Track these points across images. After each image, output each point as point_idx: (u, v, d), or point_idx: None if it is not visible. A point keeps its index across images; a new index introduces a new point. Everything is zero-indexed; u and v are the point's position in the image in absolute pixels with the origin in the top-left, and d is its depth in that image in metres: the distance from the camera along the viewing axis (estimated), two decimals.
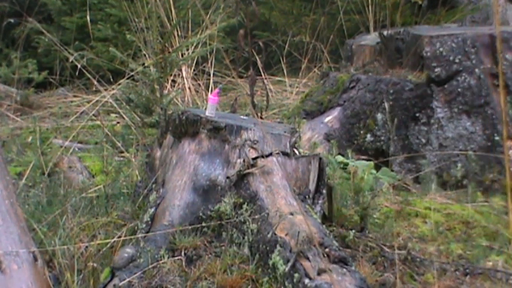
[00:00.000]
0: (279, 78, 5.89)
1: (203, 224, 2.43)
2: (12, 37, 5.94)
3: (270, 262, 2.21)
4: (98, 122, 4.44)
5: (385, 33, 4.25)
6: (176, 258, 2.31)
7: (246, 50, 4.05)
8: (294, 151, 2.66)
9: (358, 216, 2.82)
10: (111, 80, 5.07)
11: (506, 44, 3.68)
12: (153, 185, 2.73)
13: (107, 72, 5.19)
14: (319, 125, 3.99)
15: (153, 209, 2.50)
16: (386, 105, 3.74)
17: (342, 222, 2.81)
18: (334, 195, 2.81)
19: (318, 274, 2.05)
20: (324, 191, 2.71)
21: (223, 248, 2.38)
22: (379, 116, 3.82)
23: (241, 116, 2.95)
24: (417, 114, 3.76)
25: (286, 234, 2.24)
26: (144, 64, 4.12)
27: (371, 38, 4.53)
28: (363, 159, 3.39)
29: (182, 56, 4.85)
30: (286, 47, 6.04)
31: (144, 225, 2.46)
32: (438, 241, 2.84)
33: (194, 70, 5.32)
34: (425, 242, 2.85)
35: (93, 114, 4.56)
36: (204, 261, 2.32)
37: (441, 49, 3.75)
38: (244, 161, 2.49)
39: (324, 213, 2.76)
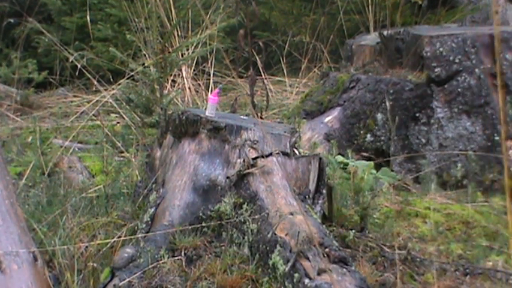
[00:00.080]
0: (279, 78, 5.89)
1: (203, 224, 2.42)
2: (12, 37, 5.94)
3: (270, 262, 2.21)
4: (98, 122, 4.44)
5: (385, 33, 4.25)
6: (176, 258, 2.31)
7: (246, 50, 4.05)
8: (294, 151, 2.66)
9: (358, 216, 2.82)
10: (111, 80, 5.07)
11: (506, 44, 3.68)
12: (153, 185, 2.73)
13: (107, 72, 5.19)
14: (319, 125, 3.99)
15: (153, 209, 2.50)
16: (387, 104, 3.74)
17: (342, 222, 2.81)
18: (334, 195, 2.81)
19: (318, 274, 2.05)
20: (324, 191, 2.71)
21: (223, 248, 2.38)
22: (379, 116, 3.82)
23: (241, 116, 2.95)
24: (417, 114, 3.76)
25: (286, 234, 2.24)
26: (144, 64, 4.12)
27: (371, 38, 4.53)
28: (363, 159, 3.40)
29: (182, 56, 4.85)
30: (286, 47, 6.04)
31: (144, 225, 2.46)
32: (438, 241, 2.84)
33: (194, 70, 5.32)
34: (425, 242, 2.85)
35: (93, 114, 4.56)
36: (204, 261, 2.32)
37: (441, 49, 3.75)
38: (244, 161, 2.49)
39: (324, 213, 2.76)
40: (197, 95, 5.17)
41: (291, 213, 2.33)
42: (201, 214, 2.46)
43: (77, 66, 4.79)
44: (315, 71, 5.86)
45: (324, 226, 2.43)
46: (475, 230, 2.96)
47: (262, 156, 2.53)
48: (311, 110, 4.20)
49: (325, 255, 2.15)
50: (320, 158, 2.70)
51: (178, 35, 5.09)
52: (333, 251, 2.16)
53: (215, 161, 2.54)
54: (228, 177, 2.50)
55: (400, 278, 2.47)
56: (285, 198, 2.42)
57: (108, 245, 2.41)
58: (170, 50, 4.07)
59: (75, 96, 5.42)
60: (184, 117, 2.64)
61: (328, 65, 5.85)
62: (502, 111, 1.20)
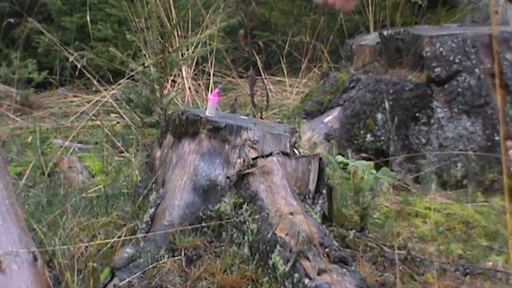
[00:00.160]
0: (279, 78, 5.89)
1: (203, 224, 2.42)
2: (12, 37, 5.94)
3: (270, 262, 2.21)
4: (98, 122, 4.44)
5: (385, 33, 4.25)
6: (176, 258, 2.31)
7: (246, 50, 4.05)
8: (294, 151, 2.65)
9: (358, 216, 2.81)
10: (111, 80, 5.07)
11: (506, 44, 3.68)
12: (153, 185, 2.73)
13: (107, 72, 5.18)
14: (319, 125, 3.99)
15: (153, 209, 2.50)
16: (386, 104, 3.74)
17: (342, 222, 2.81)
18: (334, 195, 2.81)
19: (318, 274, 2.05)
20: (324, 191, 2.71)
21: (223, 248, 2.38)
22: (379, 116, 3.82)
23: (241, 116, 2.95)
24: (417, 114, 3.76)
25: (286, 234, 2.24)
26: (144, 64, 4.12)
27: (371, 38, 4.53)
28: (363, 159, 3.39)
29: (182, 56, 4.85)
30: (286, 47, 6.04)
31: (144, 225, 2.46)
32: (438, 241, 2.84)
33: (194, 70, 5.32)
34: (425, 242, 2.85)
35: (93, 114, 4.56)
36: (204, 261, 2.32)
37: (441, 49, 3.75)
38: (244, 161, 2.49)
39: (324, 213, 2.76)
40: (197, 95, 5.17)
41: (291, 213, 2.33)
42: (201, 214, 2.46)
43: (77, 66, 4.79)
44: (315, 71, 5.86)
45: (324, 226, 2.43)
46: (475, 230, 2.96)
47: (262, 156, 2.53)
48: (311, 110, 4.20)
49: (325, 255, 2.15)
50: (320, 158, 2.70)
51: (178, 35, 5.09)
52: (333, 251, 2.16)
53: (215, 161, 2.54)
54: (228, 177, 2.50)
55: (400, 278, 2.47)
56: (285, 198, 2.42)
57: (108, 245, 2.41)
58: (170, 50, 4.07)
59: (75, 96, 5.42)
60: (184, 117, 2.64)
61: (328, 65, 5.85)
62: (501, 111, 1.20)
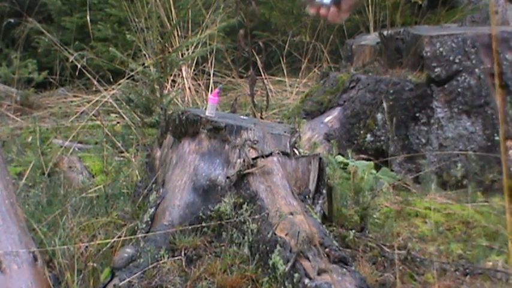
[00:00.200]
0: (279, 78, 5.89)
1: (203, 224, 2.42)
2: (12, 37, 5.94)
3: (270, 262, 2.21)
4: (98, 122, 4.44)
5: (385, 33, 4.25)
6: (176, 258, 2.31)
7: (246, 50, 4.05)
8: (294, 151, 2.65)
9: (358, 216, 2.81)
10: (111, 80, 5.07)
11: (506, 44, 3.68)
12: (153, 185, 2.73)
13: (107, 72, 5.19)
14: (319, 125, 3.99)
15: (153, 209, 2.50)
16: (385, 104, 3.74)
17: (342, 222, 2.81)
18: (334, 195, 2.81)
19: (318, 274, 2.05)
20: (324, 191, 2.71)
21: (223, 248, 2.38)
22: (379, 116, 3.82)
23: (241, 116, 2.95)
24: (417, 114, 3.76)
25: (286, 234, 2.24)
26: (144, 64, 4.12)
27: (371, 38, 4.53)
28: (363, 159, 3.40)
29: (182, 56, 4.85)
30: (286, 47, 6.04)
31: (144, 225, 2.46)
32: (438, 241, 2.84)
33: (194, 70, 5.32)
34: (425, 242, 2.85)
35: (93, 114, 4.56)
36: (204, 261, 2.32)
37: (441, 49, 3.75)
38: (244, 161, 2.49)
39: (324, 213, 2.76)
40: (197, 95, 5.17)
41: (291, 213, 2.33)
42: (201, 214, 2.46)
43: (77, 66, 4.79)
44: (315, 71, 5.86)
45: (324, 226, 2.43)
46: (475, 230, 2.96)
47: (262, 156, 2.53)
48: (311, 110, 4.20)
49: (325, 255, 2.15)
50: (320, 158, 2.70)
51: (178, 35, 5.09)
52: (333, 251, 2.16)
53: (215, 161, 2.54)
54: (228, 177, 2.50)
55: (400, 278, 2.47)
56: (285, 198, 2.42)
57: (108, 245, 2.41)
58: (170, 50, 4.07)
59: (75, 96, 5.42)
60: (184, 117, 2.64)
61: (328, 65, 5.85)
62: (501, 111, 1.20)
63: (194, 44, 4.92)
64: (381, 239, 2.74)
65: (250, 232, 2.37)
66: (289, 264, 2.11)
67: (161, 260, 2.29)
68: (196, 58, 5.17)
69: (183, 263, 2.30)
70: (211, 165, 2.53)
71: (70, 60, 4.83)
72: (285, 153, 2.59)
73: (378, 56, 4.24)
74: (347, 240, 2.63)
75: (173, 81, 5.15)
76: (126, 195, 2.94)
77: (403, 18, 5.07)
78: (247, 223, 2.39)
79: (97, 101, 4.58)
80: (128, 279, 2.18)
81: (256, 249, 2.33)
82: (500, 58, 3.60)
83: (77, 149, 4.01)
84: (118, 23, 5.53)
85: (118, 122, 4.53)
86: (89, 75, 4.76)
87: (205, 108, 2.68)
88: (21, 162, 3.52)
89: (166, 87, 4.83)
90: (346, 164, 3.08)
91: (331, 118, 3.99)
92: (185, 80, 5.15)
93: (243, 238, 2.39)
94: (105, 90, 4.70)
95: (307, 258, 2.12)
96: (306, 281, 2.03)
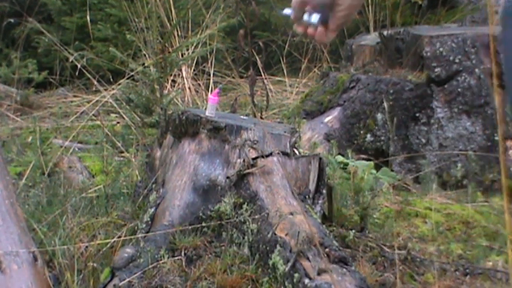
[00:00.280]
0: (279, 78, 5.89)
1: (203, 224, 2.42)
2: (12, 37, 5.94)
3: (270, 262, 2.21)
4: (98, 122, 4.44)
5: (385, 33, 4.25)
6: (176, 258, 2.31)
7: (246, 50, 4.05)
8: (294, 151, 2.65)
9: (358, 216, 2.81)
10: (111, 80, 5.08)
11: None
12: (153, 185, 2.73)
13: (107, 72, 5.19)
14: (319, 125, 3.99)
15: (153, 209, 2.50)
16: (385, 104, 3.74)
17: (342, 222, 2.81)
18: (334, 195, 2.81)
19: (318, 274, 2.05)
20: (324, 191, 2.71)
21: (223, 248, 2.38)
22: (379, 116, 3.82)
23: (241, 116, 2.95)
24: (417, 114, 3.76)
25: (286, 234, 2.24)
26: (144, 64, 4.12)
27: (371, 38, 4.53)
28: (363, 159, 3.40)
29: (182, 56, 4.85)
30: (286, 47, 6.04)
31: (144, 225, 2.46)
32: (438, 241, 2.84)
33: (194, 70, 5.32)
34: (425, 242, 2.85)
35: (93, 114, 4.56)
36: (204, 261, 2.32)
37: (441, 49, 3.75)
38: (244, 161, 2.49)
39: (324, 213, 2.76)
40: (197, 95, 5.17)
41: (291, 213, 2.33)
42: (201, 214, 2.46)
43: (77, 66, 4.80)
44: (315, 71, 5.86)
45: (324, 226, 2.43)
46: (475, 230, 2.96)
47: (262, 156, 2.53)
48: (311, 110, 4.20)
49: (325, 255, 2.15)
50: (320, 158, 2.70)
51: (178, 35, 5.09)
52: (333, 251, 2.16)
53: (215, 161, 2.54)
54: (228, 177, 2.50)
55: (400, 278, 2.47)
56: (285, 198, 2.42)
57: (108, 245, 2.41)
58: (170, 50, 4.07)
59: (75, 96, 5.42)
60: (184, 117, 2.64)
61: (328, 65, 5.85)
62: (499, 111, 1.20)
63: (194, 44, 4.92)
64: (381, 239, 2.74)
65: (250, 232, 2.37)
66: (289, 264, 2.11)
67: (161, 260, 2.28)
68: (196, 58, 5.17)
69: (183, 263, 2.30)
70: (211, 165, 2.53)
71: (70, 60, 4.83)
72: (285, 153, 2.59)
73: (378, 56, 4.24)
74: (347, 240, 2.63)
75: (173, 81, 5.15)
76: (126, 195, 2.94)
77: (403, 18, 5.07)
78: (247, 223, 2.39)
79: (97, 101, 4.58)
80: (128, 279, 2.18)
81: (256, 249, 2.33)
82: (499, 58, 3.60)
83: (77, 149, 4.01)
84: (118, 23, 5.53)
85: (118, 122, 4.53)
86: (89, 75, 4.76)
87: (205, 108, 2.68)
88: (21, 162, 3.52)
89: (166, 87, 4.83)
90: (346, 164, 3.08)
91: (331, 118, 3.99)
92: (185, 80, 5.15)
93: (243, 238, 2.39)
94: (105, 90, 4.70)
95: (307, 258, 2.12)
96: (306, 281, 2.03)
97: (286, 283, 2.10)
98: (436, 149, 3.71)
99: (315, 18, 1.51)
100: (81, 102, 5.11)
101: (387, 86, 3.82)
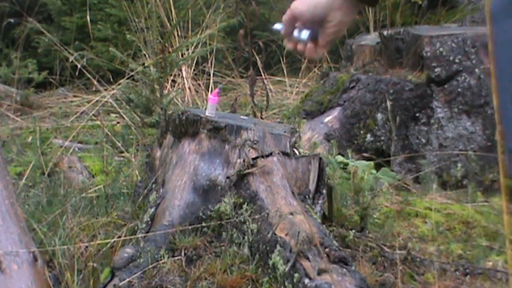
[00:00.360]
0: (279, 78, 5.90)
1: (203, 224, 2.42)
2: (12, 37, 5.94)
3: (270, 262, 2.21)
4: (98, 122, 4.44)
5: (385, 33, 4.25)
6: (176, 258, 2.31)
7: (246, 50, 4.05)
8: (294, 151, 2.65)
9: (358, 216, 2.81)
10: (111, 80, 5.08)
11: None
12: (153, 185, 2.73)
13: (107, 72, 5.19)
14: (319, 125, 3.99)
15: (153, 209, 2.50)
16: (388, 104, 3.74)
17: (342, 222, 2.81)
18: (334, 195, 2.81)
19: (318, 274, 2.05)
20: (324, 191, 2.71)
21: (223, 248, 2.38)
22: (379, 116, 3.82)
23: (241, 116, 2.95)
24: (417, 114, 3.76)
25: (286, 234, 2.24)
26: (144, 64, 4.12)
27: (371, 38, 4.53)
28: (363, 159, 3.40)
29: (182, 56, 4.85)
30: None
31: (144, 225, 2.46)
32: (438, 241, 2.84)
33: (194, 70, 5.32)
34: (425, 242, 2.85)
35: (93, 114, 4.57)
36: (204, 261, 2.32)
37: (441, 49, 3.75)
38: (244, 161, 2.49)
39: (324, 213, 2.76)
40: (197, 95, 5.17)
41: (291, 213, 2.33)
42: (201, 214, 2.46)
43: (77, 66, 4.80)
44: (315, 71, 5.86)
45: (324, 226, 2.43)
46: (475, 230, 2.96)
47: (262, 156, 2.53)
48: (311, 110, 4.20)
49: (325, 255, 2.15)
50: (320, 158, 2.70)
51: (178, 35, 5.09)
52: (333, 251, 2.16)
53: (215, 161, 2.54)
54: (228, 177, 2.50)
55: (400, 278, 2.47)
56: (285, 198, 2.42)
57: (108, 245, 2.41)
58: (170, 50, 4.07)
59: (75, 96, 5.42)
60: (184, 117, 2.64)
61: (328, 65, 5.85)
62: (498, 111, 1.20)
63: (194, 44, 4.93)
64: (381, 239, 2.74)
65: (250, 232, 2.37)
66: (289, 264, 2.11)
67: (161, 260, 2.28)
68: (196, 58, 5.17)
69: (183, 263, 2.30)
70: (211, 165, 2.53)
71: (70, 60, 4.83)
72: (285, 153, 2.59)
73: (378, 56, 4.24)
74: (347, 240, 2.63)
75: (173, 81, 5.15)
76: (126, 195, 2.94)
77: (403, 18, 5.07)
78: (247, 223, 2.39)
79: (97, 101, 4.58)
80: (128, 279, 2.18)
81: (256, 249, 2.33)
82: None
83: (77, 149, 4.01)
84: (118, 23, 5.54)
85: (118, 122, 4.53)
86: (89, 75, 4.76)
87: (205, 108, 2.68)
88: (21, 162, 3.52)
89: (166, 87, 4.83)
90: (346, 164, 3.08)
91: (331, 118, 3.99)
92: (185, 80, 5.15)
93: (243, 238, 2.39)
94: (105, 90, 4.71)
95: (307, 258, 2.12)
96: (306, 281, 2.03)
97: (286, 283, 2.10)
98: (436, 149, 3.71)
99: (305, 34, 1.51)
100: (81, 102, 5.11)
101: (387, 86, 3.82)
